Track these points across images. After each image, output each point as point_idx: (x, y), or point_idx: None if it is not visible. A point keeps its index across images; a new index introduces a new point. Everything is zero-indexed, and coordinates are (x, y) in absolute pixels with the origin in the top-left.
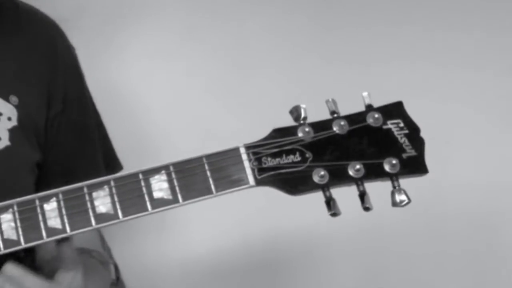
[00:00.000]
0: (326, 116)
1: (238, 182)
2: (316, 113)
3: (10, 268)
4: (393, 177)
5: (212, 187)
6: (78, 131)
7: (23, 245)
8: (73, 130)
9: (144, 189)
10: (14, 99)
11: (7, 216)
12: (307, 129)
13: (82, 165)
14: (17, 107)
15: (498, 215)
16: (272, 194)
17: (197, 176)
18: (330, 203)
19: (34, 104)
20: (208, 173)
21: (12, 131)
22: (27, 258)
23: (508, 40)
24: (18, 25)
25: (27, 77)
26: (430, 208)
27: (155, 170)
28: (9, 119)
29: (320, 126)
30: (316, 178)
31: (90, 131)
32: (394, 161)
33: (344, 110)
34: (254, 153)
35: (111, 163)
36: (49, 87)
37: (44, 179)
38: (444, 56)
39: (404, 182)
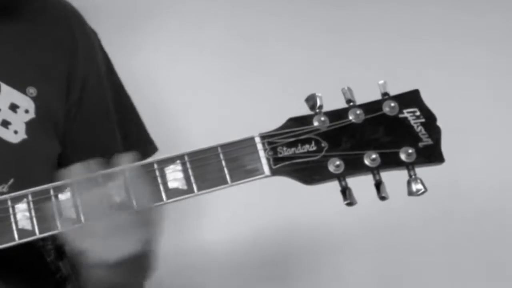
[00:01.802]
0: (342, 104)
1: (253, 172)
2: (332, 101)
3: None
4: (409, 166)
5: (227, 177)
6: (95, 120)
7: (38, 235)
8: (90, 119)
9: (159, 179)
10: (31, 90)
11: (22, 206)
12: (322, 118)
13: (100, 155)
14: (34, 99)
15: None
16: (288, 184)
17: (212, 166)
18: (345, 192)
19: (53, 95)
20: (223, 163)
21: (29, 124)
22: (45, 247)
23: None
24: (35, 14)
25: (45, 68)
26: (445, 198)
27: (170, 160)
28: (26, 111)
29: (335, 115)
30: (331, 168)
31: (109, 120)
32: (410, 150)
33: (360, 99)
34: (270, 143)
35: (147, 144)
36: (68, 77)
37: (63, 168)
38: (463, 44)
39: (420, 171)
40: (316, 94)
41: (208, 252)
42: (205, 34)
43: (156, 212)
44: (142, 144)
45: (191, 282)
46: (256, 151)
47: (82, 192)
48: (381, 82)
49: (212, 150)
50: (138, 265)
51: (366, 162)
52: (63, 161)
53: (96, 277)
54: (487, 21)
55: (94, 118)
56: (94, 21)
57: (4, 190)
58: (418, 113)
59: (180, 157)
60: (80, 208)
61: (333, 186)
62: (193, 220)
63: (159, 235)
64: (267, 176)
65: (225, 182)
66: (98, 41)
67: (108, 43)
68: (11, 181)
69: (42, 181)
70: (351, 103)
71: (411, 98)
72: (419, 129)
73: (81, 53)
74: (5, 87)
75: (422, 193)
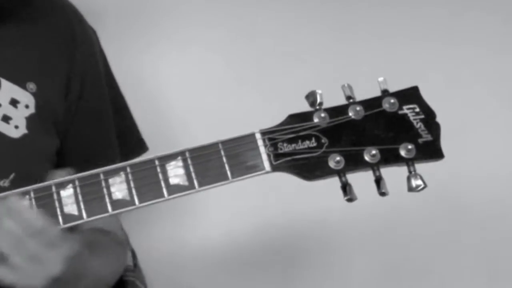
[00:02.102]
0: (342, 101)
1: (254, 168)
2: (332, 98)
3: (13, 201)
4: (409, 162)
5: (228, 173)
6: (94, 117)
7: None
8: (89, 116)
9: (160, 175)
10: (32, 86)
11: (24, 203)
12: (322, 115)
13: (99, 152)
14: (35, 94)
15: None
16: (288, 180)
17: (213, 162)
18: (346, 188)
19: (53, 91)
20: (224, 159)
21: (29, 119)
22: None
23: None
24: (35, 11)
25: (46, 64)
26: (446, 193)
27: (171, 156)
28: (27, 106)
29: (335, 111)
30: (332, 164)
31: (107, 117)
32: (410, 146)
33: (359, 95)
34: (270, 139)
35: (138, 143)
36: (67, 73)
37: (62, 165)
38: (461, 39)
39: (420, 167)
40: (316, 91)
41: (209, 248)
42: (206, 31)
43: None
44: (134, 142)
45: (192, 278)
46: (257, 147)
47: None
48: (380, 79)
49: (213, 146)
50: (69, 282)
51: (366, 158)
52: (63, 158)
53: None
54: (486, 20)
55: (93, 115)
56: (95, 20)
57: (5, 185)
58: (417, 110)
59: (181, 153)
60: (82, 205)
61: (333, 182)
62: (194, 216)
63: (78, 247)
64: (267, 172)
65: (226, 178)
66: (97, 39)
67: (112, 44)
68: (12, 175)
69: (42, 176)
70: (351, 100)
71: (411, 95)
72: (419, 125)
73: (81, 51)
74: (5, 83)
75: (422, 189)
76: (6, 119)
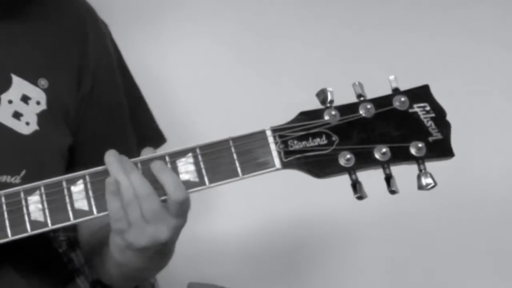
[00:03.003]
0: (353, 99)
1: (264, 165)
2: (343, 96)
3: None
4: (419, 160)
5: (239, 169)
6: (108, 111)
7: (50, 226)
8: (102, 111)
9: None
10: (43, 82)
11: (34, 198)
12: (333, 112)
13: (112, 146)
14: (46, 90)
15: None
16: (298, 177)
17: (224, 159)
18: (356, 186)
19: (64, 87)
20: (235, 156)
21: (40, 115)
22: (56, 238)
23: None
24: (47, 7)
25: (57, 60)
26: (455, 192)
27: (182, 153)
28: (38, 103)
29: (346, 109)
30: (342, 161)
31: (121, 111)
32: (420, 145)
33: (370, 93)
34: (281, 136)
35: (156, 135)
36: (79, 69)
37: (75, 161)
38: (473, 39)
39: (430, 165)
40: (327, 88)
41: (219, 244)
42: (218, 28)
43: (187, 202)
44: (151, 135)
45: (203, 273)
46: (267, 144)
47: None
48: (391, 77)
49: (223, 143)
50: (164, 251)
51: (377, 156)
52: (76, 154)
53: (123, 258)
54: (497, 17)
55: (106, 109)
56: (106, 15)
57: (17, 181)
58: (428, 108)
59: (192, 150)
60: (92, 200)
61: (344, 179)
62: (204, 212)
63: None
64: (278, 169)
65: (237, 175)
66: (109, 33)
67: (120, 38)
68: (23, 172)
69: (53, 172)
70: (362, 98)
71: (421, 93)
72: (429, 123)
73: (92, 45)
74: (16, 79)
75: (432, 187)
76: (17, 115)
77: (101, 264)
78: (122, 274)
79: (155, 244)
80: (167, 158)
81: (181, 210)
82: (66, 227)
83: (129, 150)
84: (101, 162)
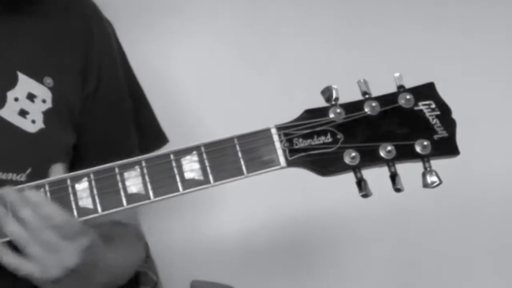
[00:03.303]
0: (358, 97)
1: (269, 163)
2: (348, 94)
3: (31, 193)
4: (424, 158)
5: (243, 168)
6: (111, 111)
7: None
8: (106, 110)
9: (175, 170)
10: (49, 81)
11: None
12: (338, 110)
13: (116, 145)
14: (52, 89)
15: None
16: (303, 175)
17: (228, 157)
18: (361, 184)
19: (70, 85)
20: (240, 154)
21: (46, 113)
22: None
23: None
24: (53, 5)
25: (63, 58)
26: (460, 189)
27: (187, 151)
28: (44, 101)
29: (351, 107)
30: (347, 159)
31: (124, 110)
32: (425, 143)
33: (375, 91)
34: (286, 134)
35: (158, 136)
36: (84, 67)
37: (78, 159)
38: (478, 36)
39: (435, 163)
40: (332, 86)
41: (223, 242)
42: (221, 26)
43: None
44: (153, 135)
45: (206, 270)
46: (272, 143)
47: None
48: (396, 74)
49: (228, 141)
50: (87, 276)
51: (382, 154)
52: (80, 152)
53: None
54: (501, 13)
55: (109, 108)
56: (109, 14)
57: (22, 179)
58: (433, 106)
59: (197, 148)
60: (97, 198)
61: (349, 178)
62: (208, 210)
63: (94, 240)
64: (283, 168)
65: (241, 173)
66: (114, 32)
67: (123, 36)
68: (29, 170)
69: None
70: (367, 96)
71: (427, 91)
72: (434, 121)
73: (97, 44)
74: (22, 77)
75: (437, 185)
76: (23, 113)
77: None
78: None
79: (68, 272)
80: (171, 156)
81: (71, 233)
82: None
83: (131, 149)
84: (104, 160)
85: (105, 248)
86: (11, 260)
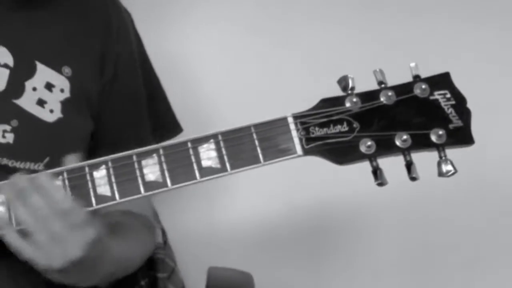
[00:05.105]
0: (374, 86)
1: (286, 151)
2: (364, 83)
3: (42, 180)
4: (439, 147)
5: (260, 156)
6: (128, 100)
7: None
8: (122, 99)
9: (192, 158)
10: (67, 70)
11: (56, 183)
12: (354, 99)
13: (132, 134)
14: (70, 78)
15: None
16: (320, 164)
17: (245, 145)
18: (377, 172)
19: (88, 75)
20: (256, 142)
21: (64, 103)
22: None
23: None
24: None
25: (80, 47)
26: (475, 178)
27: (204, 139)
28: (62, 90)
29: (367, 96)
30: (363, 148)
31: (140, 99)
32: (440, 132)
33: (391, 81)
34: (302, 123)
35: (171, 125)
36: (102, 56)
37: (95, 147)
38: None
39: (450, 152)
40: (348, 75)
41: (239, 229)
42: (238, 14)
43: (89, 214)
44: (167, 124)
45: (222, 257)
46: (289, 131)
47: (21, 202)
48: (412, 64)
49: (245, 130)
50: (92, 268)
51: (397, 143)
52: (96, 140)
53: (51, 278)
54: None
55: (125, 97)
56: (127, 1)
57: (40, 168)
58: (448, 95)
59: (214, 136)
60: (115, 186)
61: (365, 167)
62: (225, 198)
63: (101, 232)
64: (299, 156)
65: (258, 161)
66: (131, 21)
67: (141, 24)
68: (47, 159)
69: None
70: (383, 85)
71: (442, 81)
72: (450, 111)
73: (115, 33)
74: (41, 66)
75: (452, 174)
76: (41, 103)
77: None
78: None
79: (71, 263)
80: (189, 144)
81: (78, 223)
82: None
83: (145, 138)
84: (120, 148)
85: (112, 239)
86: (16, 242)
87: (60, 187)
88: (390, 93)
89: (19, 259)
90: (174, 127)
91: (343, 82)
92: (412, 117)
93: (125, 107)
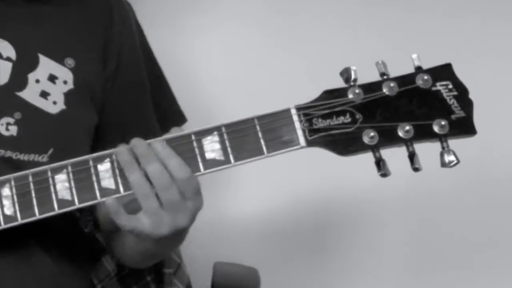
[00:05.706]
0: (376, 77)
1: (289, 143)
2: (366, 75)
3: (160, 147)
4: (442, 138)
5: (264, 148)
6: (131, 91)
7: (77, 205)
8: (126, 90)
9: (196, 150)
10: (70, 62)
11: (62, 177)
12: (357, 91)
13: (136, 125)
14: (73, 70)
15: None
16: (323, 155)
17: (249, 137)
18: (380, 163)
19: (91, 66)
20: (260, 134)
21: (67, 94)
22: (82, 218)
23: None
24: None
25: (83, 40)
26: (478, 168)
27: (208, 131)
28: (65, 82)
29: (370, 87)
30: (366, 139)
31: (144, 90)
32: (443, 122)
33: (393, 72)
34: (305, 114)
35: (175, 116)
36: (105, 47)
37: (100, 140)
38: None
39: (453, 143)
40: (351, 67)
41: (245, 224)
42: (242, 7)
43: (193, 181)
44: (172, 114)
45: (229, 253)
46: (292, 123)
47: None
48: (414, 55)
49: (248, 122)
50: (181, 236)
51: (400, 133)
52: (100, 132)
53: (142, 247)
54: None
55: (129, 89)
56: None
57: (44, 160)
58: (450, 86)
59: (218, 129)
60: (119, 179)
61: (367, 158)
62: (228, 192)
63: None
64: (302, 147)
65: (262, 153)
66: (133, 13)
67: (143, 17)
68: (51, 151)
69: (80, 151)
70: (385, 76)
71: (444, 72)
72: (452, 101)
73: (117, 25)
74: (44, 59)
75: (455, 164)
76: (45, 95)
77: (120, 246)
78: (141, 256)
79: (175, 231)
80: (192, 137)
81: (191, 191)
82: (92, 206)
83: (150, 130)
84: (124, 140)
85: None
86: (124, 219)
87: (177, 155)
88: (392, 84)
89: (24, 259)
90: (178, 118)
91: (345, 73)
92: (414, 108)
93: (129, 98)
